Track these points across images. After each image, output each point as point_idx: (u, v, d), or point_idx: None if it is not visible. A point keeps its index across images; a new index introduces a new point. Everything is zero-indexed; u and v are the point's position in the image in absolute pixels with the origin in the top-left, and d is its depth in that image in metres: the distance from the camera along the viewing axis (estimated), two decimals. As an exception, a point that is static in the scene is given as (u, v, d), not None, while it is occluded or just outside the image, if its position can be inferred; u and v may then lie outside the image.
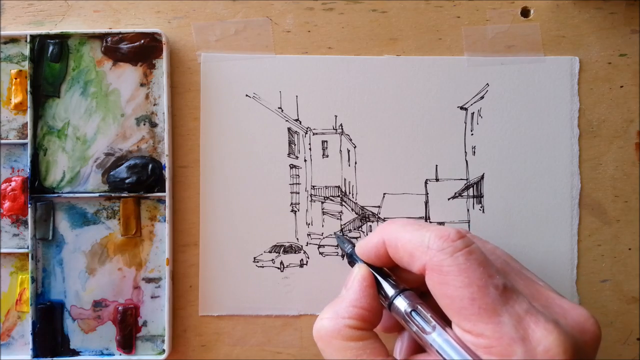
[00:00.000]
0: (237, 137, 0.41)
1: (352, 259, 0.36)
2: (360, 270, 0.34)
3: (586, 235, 0.41)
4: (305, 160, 0.41)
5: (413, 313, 0.31)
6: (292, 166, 0.41)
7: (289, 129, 0.41)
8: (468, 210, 0.41)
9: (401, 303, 0.32)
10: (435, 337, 0.30)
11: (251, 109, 0.41)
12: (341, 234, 0.41)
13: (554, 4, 0.41)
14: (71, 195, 0.40)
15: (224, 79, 0.41)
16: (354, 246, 0.36)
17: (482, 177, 0.41)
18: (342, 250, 0.40)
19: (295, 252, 0.41)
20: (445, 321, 0.30)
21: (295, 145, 0.41)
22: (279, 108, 0.41)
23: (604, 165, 0.41)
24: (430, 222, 0.41)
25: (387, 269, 0.34)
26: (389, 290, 0.33)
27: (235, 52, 0.41)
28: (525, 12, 0.41)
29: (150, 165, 0.40)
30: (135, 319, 0.40)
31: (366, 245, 0.34)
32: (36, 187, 0.40)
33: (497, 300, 0.28)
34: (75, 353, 0.40)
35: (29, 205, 0.39)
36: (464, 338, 0.29)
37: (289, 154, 0.41)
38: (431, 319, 0.30)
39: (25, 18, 0.41)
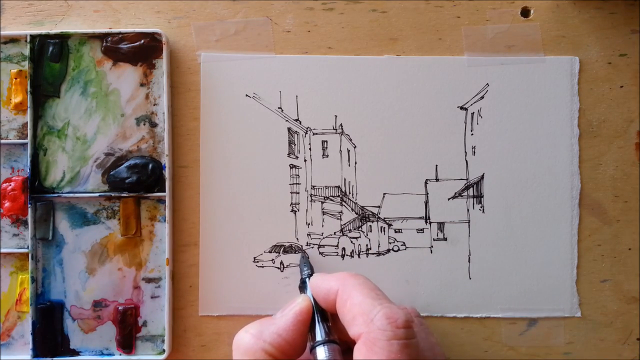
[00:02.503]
0: (237, 137, 0.41)
1: (303, 286, 0.36)
2: (301, 303, 0.34)
3: (586, 235, 0.41)
4: (305, 160, 0.41)
5: None
6: (292, 166, 0.41)
7: (289, 129, 0.41)
8: (468, 210, 0.41)
9: (321, 353, 0.32)
10: None
11: (251, 109, 0.41)
12: (307, 256, 0.40)
13: (554, 4, 0.41)
14: (71, 195, 0.40)
15: (224, 79, 0.41)
16: (311, 274, 0.37)
17: (482, 177, 0.41)
18: (300, 272, 0.39)
19: (295, 252, 0.41)
20: None
21: (295, 145, 0.41)
22: (279, 108, 0.41)
23: (604, 165, 0.41)
24: (430, 222, 0.41)
25: (330, 313, 0.34)
26: (318, 335, 0.33)
27: (235, 52, 0.41)
28: (525, 12, 0.41)
29: (150, 165, 0.40)
30: (135, 319, 0.40)
31: (321, 283, 0.34)
32: (36, 187, 0.40)
33: None
34: (75, 353, 0.40)
35: (29, 205, 0.39)
36: None
37: (289, 154, 0.41)
38: None
39: (25, 18, 0.41)
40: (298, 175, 0.41)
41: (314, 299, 0.34)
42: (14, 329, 0.40)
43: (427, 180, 0.41)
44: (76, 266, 0.40)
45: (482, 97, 0.41)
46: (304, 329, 0.33)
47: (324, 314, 0.34)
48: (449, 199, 0.41)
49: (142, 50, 0.40)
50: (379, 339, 0.29)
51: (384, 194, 0.41)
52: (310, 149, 0.41)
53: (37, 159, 0.40)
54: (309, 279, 0.36)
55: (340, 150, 0.41)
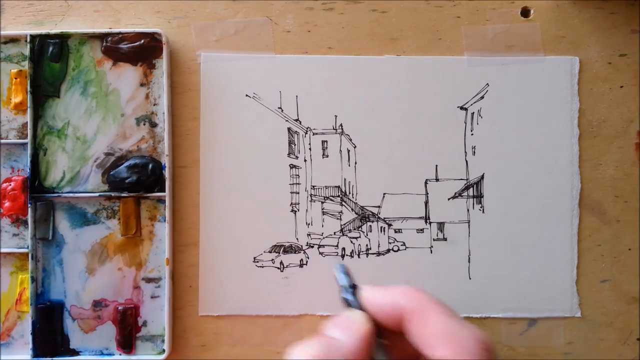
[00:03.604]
0: (237, 137, 0.41)
1: (351, 300, 0.32)
2: (365, 324, 0.30)
3: (586, 235, 0.41)
4: (305, 160, 0.41)
5: None
6: (292, 166, 0.41)
7: (289, 129, 0.41)
8: (468, 210, 0.41)
9: None
10: None
11: (251, 109, 0.41)
12: (343, 265, 0.34)
13: (554, 4, 0.41)
14: (71, 195, 0.40)
15: (224, 79, 0.41)
16: (355, 287, 0.32)
17: (482, 177, 0.41)
18: (338, 284, 0.33)
19: (295, 252, 0.41)
20: None
21: (295, 145, 0.41)
22: (279, 108, 0.41)
23: (604, 165, 0.41)
24: (430, 222, 0.41)
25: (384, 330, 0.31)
26: (380, 357, 0.30)
27: (235, 52, 0.41)
28: (525, 12, 0.41)
29: (150, 165, 0.40)
30: (135, 319, 0.40)
31: (381, 298, 0.30)
32: (36, 187, 0.40)
33: None
34: (75, 353, 0.40)
35: (29, 205, 0.39)
36: None
37: (289, 154, 0.41)
38: None
39: (25, 18, 0.41)
40: (298, 175, 0.41)
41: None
42: (14, 328, 0.40)
43: (427, 180, 0.41)
44: (76, 266, 0.40)
45: (482, 97, 0.41)
46: (370, 351, 0.30)
47: (379, 333, 0.30)
48: (449, 199, 0.41)
49: (142, 50, 0.40)
50: None
51: (384, 194, 0.41)
52: (310, 149, 0.41)
53: (37, 159, 0.40)
54: (355, 291, 0.32)
55: (340, 150, 0.41)
